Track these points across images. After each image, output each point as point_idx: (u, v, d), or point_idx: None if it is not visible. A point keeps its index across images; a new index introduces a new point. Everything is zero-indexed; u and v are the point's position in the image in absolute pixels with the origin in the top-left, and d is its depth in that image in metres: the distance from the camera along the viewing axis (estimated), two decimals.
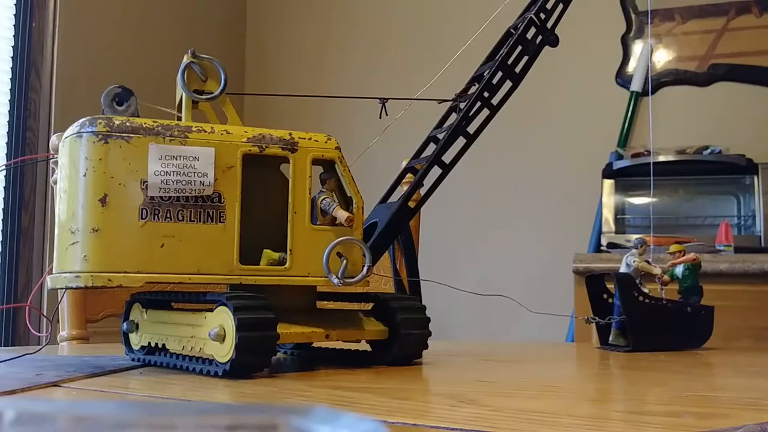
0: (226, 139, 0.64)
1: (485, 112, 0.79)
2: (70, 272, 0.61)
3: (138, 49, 2.52)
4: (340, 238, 0.66)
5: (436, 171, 0.77)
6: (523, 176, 2.60)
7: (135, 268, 0.60)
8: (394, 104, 0.79)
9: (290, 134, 0.66)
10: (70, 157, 0.62)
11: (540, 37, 0.80)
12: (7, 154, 2.19)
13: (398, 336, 0.69)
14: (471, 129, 0.78)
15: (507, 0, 0.85)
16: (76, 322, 1.12)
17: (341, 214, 0.66)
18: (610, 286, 0.95)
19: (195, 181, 0.62)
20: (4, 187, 2.19)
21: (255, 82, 2.98)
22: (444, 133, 0.77)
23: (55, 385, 0.54)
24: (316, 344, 0.78)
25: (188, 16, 2.74)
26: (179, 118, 0.70)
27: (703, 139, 2.30)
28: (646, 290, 0.91)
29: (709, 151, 2.23)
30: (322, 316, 0.69)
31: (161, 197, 0.61)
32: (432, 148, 0.79)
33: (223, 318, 0.59)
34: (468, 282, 2.62)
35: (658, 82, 2.48)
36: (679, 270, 0.96)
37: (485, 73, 0.78)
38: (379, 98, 0.78)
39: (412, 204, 0.75)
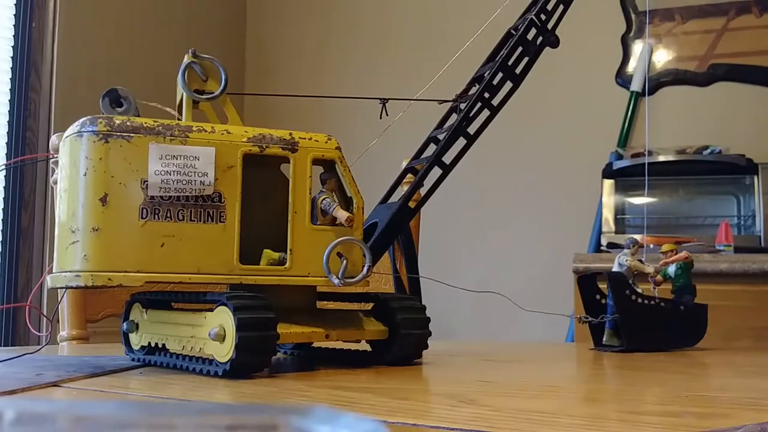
0: (226, 139, 0.64)
1: (486, 112, 0.79)
2: (70, 271, 0.61)
3: (138, 49, 2.52)
4: (341, 238, 0.66)
5: (436, 171, 0.77)
6: (523, 176, 2.60)
7: (135, 267, 0.60)
8: (394, 104, 0.79)
9: (291, 134, 0.66)
10: (71, 156, 0.62)
11: (540, 38, 0.80)
12: (7, 154, 2.19)
13: (398, 336, 0.69)
14: (471, 130, 0.78)
15: (507, 1, 0.85)
16: (76, 322, 1.12)
17: (341, 214, 0.66)
18: (603, 286, 0.95)
19: (195, 180, 0.62)
20: (4, 187, 2.19)
21: (255, 82, 2.98)
22: (444, 134, 0.77)
23: (55, 385, 0.54)
24: (316, 344, 0.78)
25: (188, 16, 2.74)
26: (179, 118, 0.70)
27: (703, 139, 2.30)
28: (639, 290, 0.91)
29: (708, 151, 2.23)
30: (322, 316, 0.69)
31: (161, 197, 0.61)
32: (432, 148, 0.79)
33: (223, 318, 0.59)
34: (468, 282, 2.62)
35: (658, 82, 2.48)
36: (671, 269, 0.95)
37: (486, 74, 0.78)
38: (380, 98, 0.78)
39: (412, 204, 0.76)
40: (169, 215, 0.61)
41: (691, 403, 0.50)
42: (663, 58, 2.51)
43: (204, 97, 0.68)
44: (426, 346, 0.71)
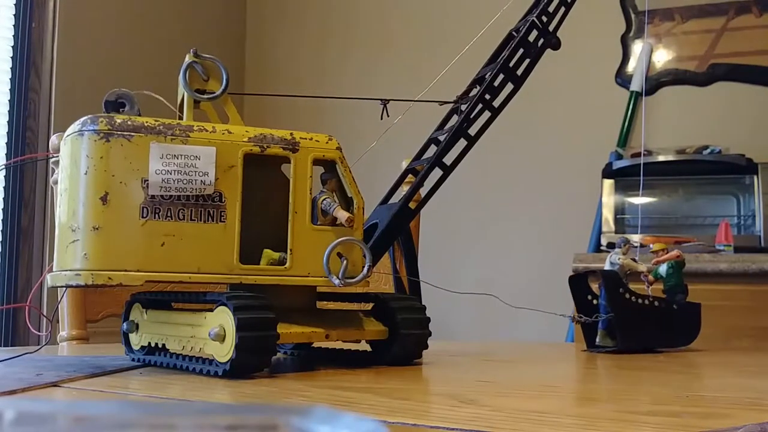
0: (227, 139, 0.64)
1: (486, 114, 0.79)
2: (70, 270, 0.61)
3: (138, 49, 2.52)
4: (341, 239, 0.66)
5: (436, 172, 0.77)
6: (523, 176, 2.60)
7: (135, 266, 0.60)
8: (395, 105, 0.79)
9: (291, 134, 0.66)
10: (72, 155, 0.62)
11: (542, 40, 0.80)
12: (7, 154, 2.19)
13: (398, 336, 0.69)
14: (472, 131, 0.78)
15: (510, 2, 0.85)
16: (76, 322, 1.12)
17: (342, 215, 0.66)
18: (594, 286, 0.94)
19: (196, 180, 0.62)
20: (4, 187, 2.19)
21: (255, 82, 2.98)
22: (445, 135, 0.77)
23: (55, 385, 0.54)
24: (316, 344, 0.78)
25: (188, 16, 2.74)
26: (180, 117, 0.70)
27: (702, 139, 2.30)
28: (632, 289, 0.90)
29: (708, 150, 2.23)
30: (322, 316, 0.69)
31: (162, 196, 0.61)
32: (433, 149, 0.79)
33: (223, 318, 0.59)
34: (468, 282, 2.62)
35: (657, 82, 2.49)
36: (662, 269, 0.94)
37: (487, 76, 0.78)
38: (381, 99, 0.78)
39: (412, 205, 0.76)
40: (169, 215, 0.61)
41: (691, 403, 0.50)
42: (663, 57, 2.51)
43: (205, 96, 0.68)
44: (426, 346, 0.71)
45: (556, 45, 0.80)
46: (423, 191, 0.77)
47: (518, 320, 2.44)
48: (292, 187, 0.66)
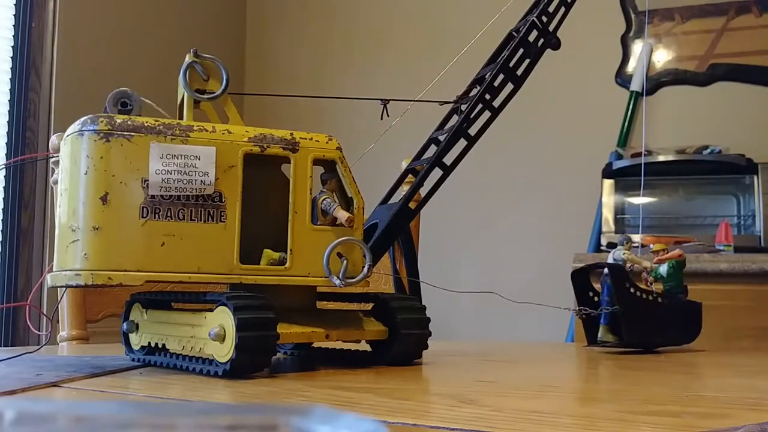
0: (227, 139, 0.64)
1: (486, 114, 0.79)
2: (70, 270, 0.61)
3: (138, 49, 2.52)
4: (341, 239, 0.66)
5: (437, 172, 0.77)
6: (523, 176, 2.60)
7: (135, 266, 0.60)
8: (395, 105, 0.79)
9: (291, 134, 0.66)
10: (72, 155, 0.62)
11: (542, 40, 0.80)
12: (7, 154, 2.19)
13: (398, 336, 0.69)
14: (472, 131, 0.78)
15: (510, 2, 0.85)
16: (76, 322, 1.12)
17: (342, 215, 0.66)
18: (596, 286, 0.94)
19: (196, 180, 0.62)
20: (4, 187, 2.19)
21: (255, 82, 2.98)
22: (445, 135, 0.77)
23: (55, 385, 0.54)
24: (316, 344, 0.78)
25: (188, 16, 2.74)
26: (180, 118, 0.70)
27: (702, 139, 2.30)
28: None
29: (708, 151, 2.23)
30: (322, 316, 0.69)
31: (162, 196, 0.61)
32: (433, 149, 0.79)
33: (223, 318, 0.59)
34: (468, 282, 2.62)
35: (657, 81, 2.49)
36: (663, 269, 0.93)
37: (487, 76, 0.78)
38: (381, 99, 0.78)
39: (412, 205, 0.76)
40: (169, 214, 0.61)
41: (691, 403, 0.50)
42: (663, 58, 2.51)
43: (205, 96, 0.68)
44: (426, 346, 0.71)
45: (556, 45, 0.80)
46: (423, 191, 0.77)
47: (518, 320, 2.44)
48: (292, 187, 0.65)
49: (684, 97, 2.46)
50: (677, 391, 0.57)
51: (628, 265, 0.91)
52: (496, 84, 0.78)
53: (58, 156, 0.65)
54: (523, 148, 2.58)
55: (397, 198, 0.79)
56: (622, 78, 2.52)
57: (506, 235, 2.60)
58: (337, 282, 0.65)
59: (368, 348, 0.72)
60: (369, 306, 0.73)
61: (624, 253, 0.91)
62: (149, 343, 0.68)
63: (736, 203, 2.23)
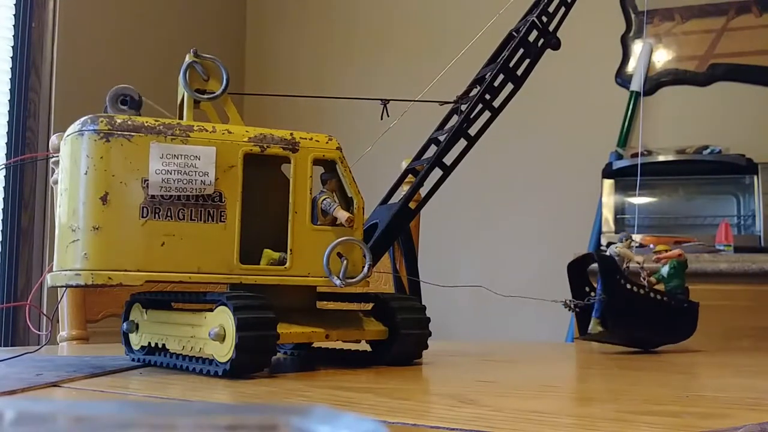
0: (227, 139, 0.64)
1: (486, 114, 0.79)
2: (70, 270, 0.61)
3: (138, 49, 2.52)
4: (341, 239, 0.66)
5: (437, 172, 0.77)
6: (523, 176, 2.60)
7: (135, 266, 0.60)
8: (395, 105, 0.79)
9: (291, 134, 0.66)
10: (72, 155, 0.62)
11: (542, 40, 0.80)
12: (7, 154, 2.19)
13: (398, 336, 0.69)
14: (472, 131, 0.78)
15: (509, 2, 0.85)
16: (76, 322, 1.12)
17: (342, 215, 0.66)
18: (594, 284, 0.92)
19: (196, 180, 0.62)
20: (4, 187, 2.19)
21: (255, 82, 2.98)
22: (445, 135, 0.77)
23: (55, 385, 0.54)
24: (316, 344, 0.78)
25: (188, 17, 2.74)
26: (180, 117, 0.70)
27: (702, 139, 2.30)
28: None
29: (708, 150, 2.24)
30: (322, 316, 0.69)
31: (162, 196, 0.61)
32: (433, 149, 0.79)
33: (223, 318, 0.59)
34: (467, 281, 2.61)
35: (657, 81, 2.49)
36: (664, 270, 0.92)
37: (487, 76, 0.78)
38: (381, 99, 0.78)
39: (412, 205, 0.76)
40: (169, 214, 0.61)
41: (691, 403, 0.50)
42: (663, 57, 2.51)
43: (205, 96, 0.68)
44: (426, 346, 0.71)
45: (556, 45, 0.80)
46: (423, 191, 0.77)
47: (518, 321, 2.44)
48: (292, 187, 0.65)
49: (684, 97, 2.46)
50: (677, 391, 0.57)
51: (626, 263, 0.90)
52: (496, 84, 0.78)
53: (58, 156, 0.65)
54: (523, 148, 2.58)
55: (397, 198, 0.79)
56: (622, 78, 2.52)
57: (506, 235, 2.60)
58: (338, 282, 0.65)
59: (368, 348, 0.72)
60: (369, 306, 0.73)
61: (617, 247, 0.90)
62: (149, 343, 0.68)
63: (736, 203, 2.23)
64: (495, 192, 2.62)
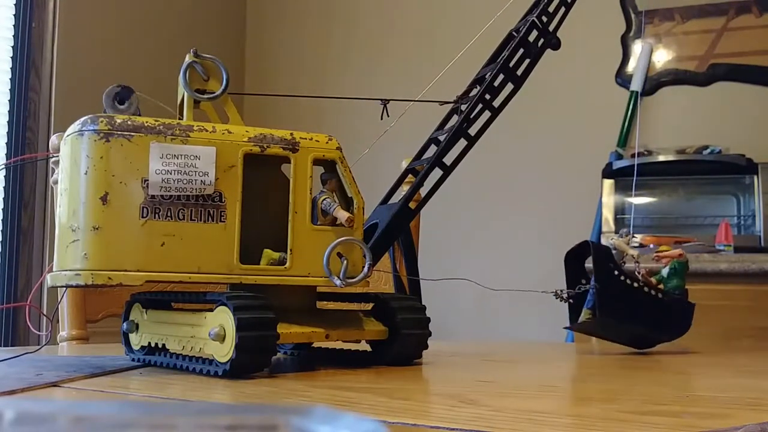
0: (227, 139, 0.64)
1: (486, 114, 0.79)
2: (70, 270, 0.61)
3: (138, 49, 2.52)
4: (341, 239, 0.66)
5: (437, 172, 0.77)
6: (523, 176, 2.60)
7: (135, 266, 0.60)
8: (395, 105, 0.79)
9: (291, 134, 0.66)
10: (72, 155, 0.62)
11: (542, 40, 0.80)
12: (7, 154, 2.19)
13: (398, 336, 0.69)
14: (472, 131, 0.78)
15: (509, 2, 0.85)
16: (76, 322, 1.12)
17: (342, 215, 0.66)
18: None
19: (196, 180, 0.62)
20: (4, 187, 2.19)
21: (255, 82, 2.98)
22: (445, 135, 0.77)
23: (55, 385, 0.54)
24: (316, 344, 0.78)
25: (188, 16, 2.74)
26: (180, 118, 0.70)
27: (703, 139, 2.30)
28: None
29: (708, 150, 2.23)
30: (322, 316, 0.69)
31: (162, 196, 0.61)
32: (433, 149, 0.79)
33: (223, 318, 0.59)
34: (467, 281, 2.60)
35: (657, 81, 2.49)
36: (665, 270, 0.91)
37: (487, 76, 0.78)
38: (381, 99, 0.78)
39: (412, 205, 0.76)
40: (169, 214, 0.61)
41: (691, 403, 0.50)
42: (663, 58, 2.51)
43: (205, 96, 0.68)
44: (426, 346, 0.71)
45: (556, 45, 0.80)
46: (423, 191, 0.77)
47: (518, 321, 2.44)
48: (292, 187, 0.65)
49: (684, 97, 2.46)
50: (677, 391, 0.57)
51: (623, 257, 0.89)
52: (496, 84, 0.78)
53: (58, 156, 0.65)
54: (523, 148, 2.58)
55: (397, 198, 0.79)
56: (622, 78, 2.52)
57: (506, 235, 2.60)
58: (338, 282, 0.65)
59: (368, 348, 0.72)
60: (369, 306, 0.73)
61: (613, 240, 0.90)
62: (149, 343, 0.68)
63: (736, 203, 2.23)
64: (495, 192, 2.62)
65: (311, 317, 0.67)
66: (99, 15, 2.41)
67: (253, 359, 0.59)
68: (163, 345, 0.66)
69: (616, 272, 0.85)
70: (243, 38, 3.04)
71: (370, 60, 2.84)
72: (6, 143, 2.19)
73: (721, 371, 0.77)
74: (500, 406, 0.48)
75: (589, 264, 0.87)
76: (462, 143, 0.77)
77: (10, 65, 2.22)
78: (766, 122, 2.35)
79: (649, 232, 2.16)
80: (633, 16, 2.54)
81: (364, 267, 0.67)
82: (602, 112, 2.51)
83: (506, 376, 0.68)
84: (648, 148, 2.32)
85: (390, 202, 0.81)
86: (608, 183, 2.26)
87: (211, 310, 0.61)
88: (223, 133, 0.64)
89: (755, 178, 2.12)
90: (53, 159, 0.90)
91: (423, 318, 0.70)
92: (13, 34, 2.23)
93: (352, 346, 0.75)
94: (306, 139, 0.66)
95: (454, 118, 0.80)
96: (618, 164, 2.24)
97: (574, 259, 0.92)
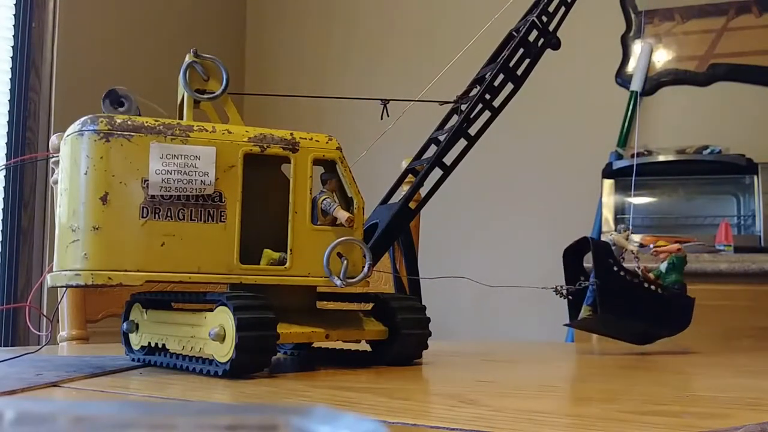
0: (227, 139, 0.64)
1: (486, 114, 0.79)
2: (70, 270, 0.61)
3: (138, 49, 2.52)
4: (341, 239, 0.66)
5: (437, 172, 0.77)
6: (523, 176, 2.60)
7: (135, 266, 0.60)
8: (395, 105, 0.79)
9: (291, 134, 0.66)
10: (72, 155, 0.62)
11: (542, 40, 0.80)
12: (7, 154, 2.19)
13: (398, 336, 0.69)
14: (472, 131, 0.78)
15: (509, 2, 0.85)
16: (76, 322, 1.12)
17: (342, 215, 0.66)
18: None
19: (196, 180, 0.62)
20: (4, 187, 2.19)
21: (255, 82, 2.98)
22: (445, 135, 0.77)
23: (55, 385, 0.54)
24: (316, 344, 0.78)
25: (188, 16, 2.74)
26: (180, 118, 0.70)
27: (702, 139, 2.30)
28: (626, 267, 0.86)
29: (708, 150, 2.23)
30: (322, 316, 0.69)
31: (162, 196, 0.61)
32: (433, 149, 0.79)
33: (223, 318, 0.59)
34: (467, 281, 2.60)
35: (657, 81, 2.49)
36: (663, 265, 0.90)
37: (487, 75, 0.78)
38: (381, 99, 0.78)
39: (412, 205, 0.76)
40: (169, 214, 0.61)
41: (691, 403, 0.50)
42: (663, 58, 2.51)
43: (205, 96, 0.68)
44: (426, 346, 0.71)
45: (556, 45, 0.80)
46: (423, 191, 0.77)
47: (518, 321, 2.44)
48: (292, 187, 0.66)
49: (684, 97, 2.46)
50: (677, 391, 0.57)
51: (622, 252, 0.89)
52: (496, 84, 0.78)
53: (58, 156, 0.65)
54: (523, 148, 2.58)
55: (397, 198, 0.79)
56: (622, 78, 2.52)
57: (506, 234, 2.60)
58: (338, 282, 0.65)
59: (368, 348, 0.72)
60: (369, 306, 0.73)
61: (612, 235, 0.90)
62: (149, 343, 0.68)
63: (736, 203, 2.23)
64: (495, 192, 2.62)
65: (311, 317, 0.67)
66: (99, 15, 2.41)
67: (253, 359, 0.59)
68: (163, 345, 0.66)
69: (615, 268, 0.84)
70: (243, 38, 3.04)
71: (370, 60, 2.84)
72: (6, 143, 2.19)
73: (721, 371, 0.77)
74: (500, 406, 0.48)
75: (588, 262, 0.87)
76: (462, 143, 0.77)
77: (10, 65, 2.22)
78: (766, 122, 2.35)
79: (649, 232, 2.16)
80: (633, 16, 2.54)
81: (364, 267, 0.67)
82: (602, 112, 2.51)
83: (506, 376, 0.68)
84: (648, 148, 2.32)
85: (390, 202, 0.81)
86: (608, 183, 2.26)
87: (211, 310, 0.61)
88: (223, 133, 0.64)
89: (755, 178, 2.12)
90: (53, 159, 0.90)
91: (423, 318, 0.70)
92: (13, 34, 2.23)
93: (352, 346, 0.75)
94: (306, 139, 0.66)
95: (454, 118, 0.80)
96: (618, 164, 2.24)
97: (572, 255, 0.92)
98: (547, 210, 2.54)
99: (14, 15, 2.23)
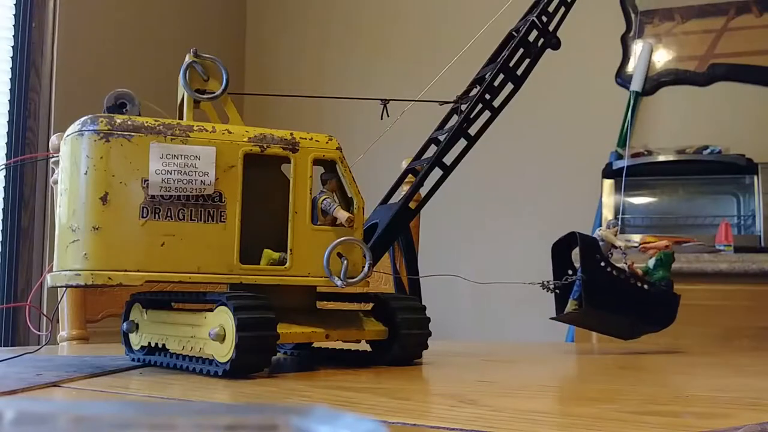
0: (227, 139, 0.64)
1: (486, 114, 0.79)
2: (70, 270, 0.61)
3: (138, 49, 2.52)
4: (341, 239, 0.66)
5: (437, 172, 0.77)
6: (523, 176, 2.60)
7: (135, 266, 0.60)
8: (395, 105, 0.79)
9: (291, 134, 0.66)
10: (72, 155, 0.62)
11: (542, 40, 0.80)
12: (7, 154, 2.19)
13: (398, 336, 0.69)
14: (472, 131, 0.78)
15: (509, 2, 0.85)
16: (76, 322, 1.12)
17: (342, 215, 0.66)
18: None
19: (196, 180, 0.62)
20: (4, 187, 2.19)
21: (255, 82, 2.98)
22: (445, 135, 0.77)
23: (55, 385, 0.54)
24: (316, 344, 0.78)
25: (188, 16, 2.74)
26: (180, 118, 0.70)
27: (702, 139, 2.30)
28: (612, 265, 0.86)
29: (708, 150, 2.24)
30: (322, 316, 0.69)
31: (162, 196, 0.61)
32: (433, 149, 0.79)
33: (223, 318, 0.59)
34: (467, 282, 2.60)
35: (657, 81, 2.49)
36: (651, 261, 0.90)
37: (487, 75, 0.79)
38: (381, 99, 0.78)
39: (412, 205, 0.76)
40: (169, 214, 0.61)
41: (691, 403, 0.50)
42: (663, 58, 2.51)
43: (205, 96, 0.68)
44: (426, 346, 0.71)
45: (556, 45, 0.80)
46: (423, 191, 0.77)
47: (518, 321, 2.44)
48: (292, 187, 0.66)
49: (684, 97, 2.46)
50: (677, 391, 0.57)
51: (609, 249, 0.89)
52: (496, 84, 0.78)
53: (58, 156, 0.65)
54: (524, 147, 2.58)
55: (397, 198, 0.79)
56: (622, 78, 2.52)
57: (506, 235, 2.60)
58: (338, 282, 0.65)
59: (368, 348, 0.72)
60: (369, 306, 0.73)
61: (600, 230, 0.90)
62: (149, 343, 0.68)
63: (736, 203, 2.23)
64: (495, 192, 2.62)
65: (311, 317, 0.67)
66: (99, 15, 2.41)
67: (253, 359, 0.59)
68: (163, 345, 0.66)
69: (602, 263, 0.85)
70: (243, 38, 3.04)
71: (370, 60, 2.84)
72: (6, 143, 2.19)
73: (721, 371, 0.77)
74: (500, 406, 0.48)
75: (576, 257, 0.87)
76: (462, 143, 0.77)
77: (10, 65, 2.22)
78: (766, 122, 2.35)
79: (649, 232, 2.16)
80: (633, 16, 2.54)
81: (364, 267, 0.67)
82: (602, 112, 2.51)
83: (506, 376, 0.68)
84: (648, 148, 2.32)
85: (390, 202, 0.81)
86: (608, 183, 2.26)
87: (211, 310, 0.61)
88: (223, 133, 0.64)
89: (755, 178, 2.12)
90: (53, 159, 0.90)
91: (423, 318, 0.70)
92: (13, 34, 2.23)
93: (352, 346, 0.75)
94: (306, 139, 0.66)
95: (454, 118, 0.80)
96: (618, 164, 2.24)
97: (561, 249, 0.92)
98: (547, 210, 2.54)
99: (14, 15, 2.23)
